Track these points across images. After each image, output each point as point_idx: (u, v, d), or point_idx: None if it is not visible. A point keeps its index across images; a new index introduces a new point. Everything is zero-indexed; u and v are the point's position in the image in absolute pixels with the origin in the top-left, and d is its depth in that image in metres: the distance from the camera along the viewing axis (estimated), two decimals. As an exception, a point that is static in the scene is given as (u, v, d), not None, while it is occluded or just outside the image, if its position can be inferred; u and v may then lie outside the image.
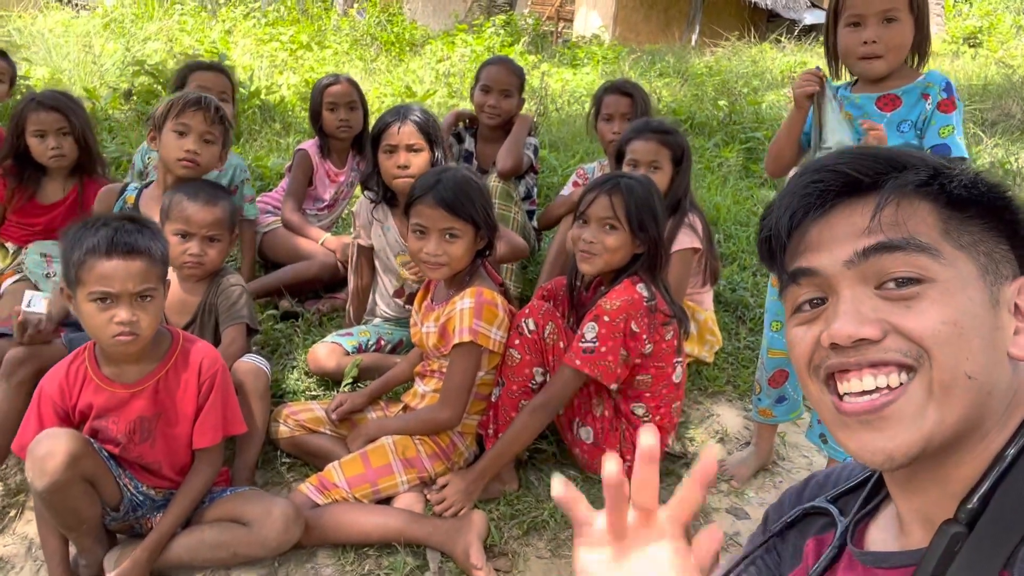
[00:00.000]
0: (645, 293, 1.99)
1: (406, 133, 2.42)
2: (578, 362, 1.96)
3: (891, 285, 0.69)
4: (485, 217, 2.02)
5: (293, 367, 2.56)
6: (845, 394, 0.71)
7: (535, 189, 3.42)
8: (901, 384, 0.68)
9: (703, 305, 2.76)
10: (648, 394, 2.06)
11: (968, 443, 0.69)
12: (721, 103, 6.51)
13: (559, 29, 20.47)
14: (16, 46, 5.95)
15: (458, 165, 3.43)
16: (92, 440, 1.73)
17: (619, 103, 2.96)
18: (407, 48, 9.26)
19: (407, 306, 2.69)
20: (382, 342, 2.63)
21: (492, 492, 2.06)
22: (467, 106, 6.75)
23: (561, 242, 2.92)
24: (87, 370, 1.77)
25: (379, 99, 6.16)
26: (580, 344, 1.97)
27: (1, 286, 2.66)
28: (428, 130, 2.46)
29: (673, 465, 2.21)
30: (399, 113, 2.45)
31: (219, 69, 3.09)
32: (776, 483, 2.26)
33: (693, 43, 15.07)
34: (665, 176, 2.51)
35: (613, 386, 2.00)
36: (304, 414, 2.20)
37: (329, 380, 2.48)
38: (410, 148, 2.42)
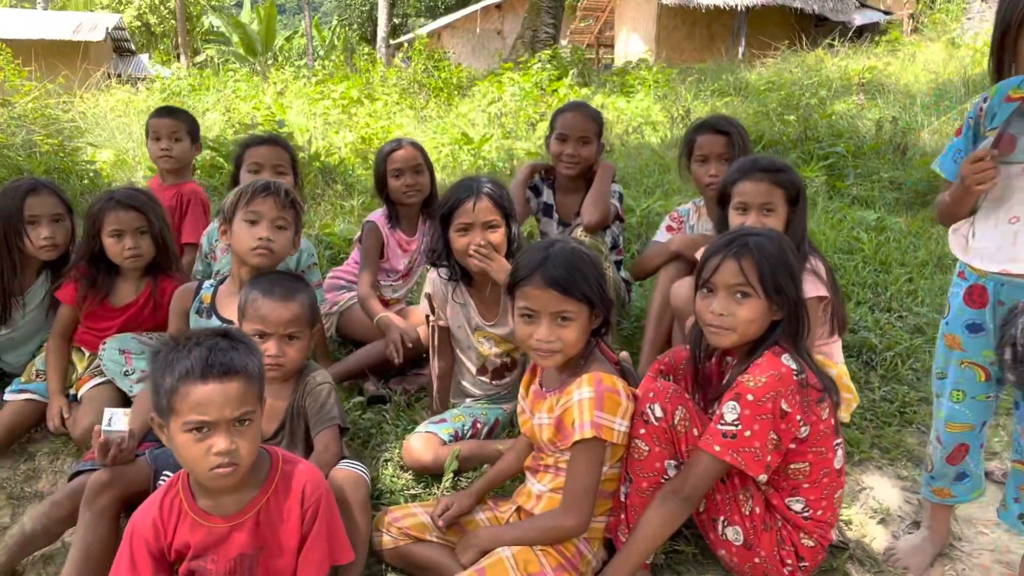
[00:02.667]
0: (793, 366, 1.72)
1: (482, 210, 2.25)
2: (717, 448, 1.69)
3: None
4: (600, 293, 1.79)
5: (387, 460, 2.35)
6: None
7: (620, 238, 3.19)
8: None
9: (833, 358, 2.45)
10: (806, 485, 1.76)
11: None
12: (790, 118, 6.19)
13: (599, 55, 20.43)
14: (82, 131, 6.06)
15: (538, 219, 3.24)
16: (188, 586, 1.54)
17: (714, 143, 2.71)
18: (455, 92, 9.23)
19: (494, 382, 2.50)
20: (478, 425, 2.42)
21: (628, 605, 1.79)
22: (524, 146, 6.63)
23: (664, 296, 2.66)
24: (182, 503, 1.59)
25: (436, 149, 6.05)
26: (719, 427, 1.71)
27: (80, 391, 2.54)
28: (503, 204, 2.30)
29: (837, 560, 1.90)
30: (471, 188, 2.28)
31: (274, 141, 2.97)
32: (959, 571, 1.91)
33: (740, 56, 14.76)
34: (780, 219, 2.26)
35: (762, 478, 1.72)
36: (407, 520, 1.98)
37: (427, 475, 2.27)
38: (487, 225, 2.25)
